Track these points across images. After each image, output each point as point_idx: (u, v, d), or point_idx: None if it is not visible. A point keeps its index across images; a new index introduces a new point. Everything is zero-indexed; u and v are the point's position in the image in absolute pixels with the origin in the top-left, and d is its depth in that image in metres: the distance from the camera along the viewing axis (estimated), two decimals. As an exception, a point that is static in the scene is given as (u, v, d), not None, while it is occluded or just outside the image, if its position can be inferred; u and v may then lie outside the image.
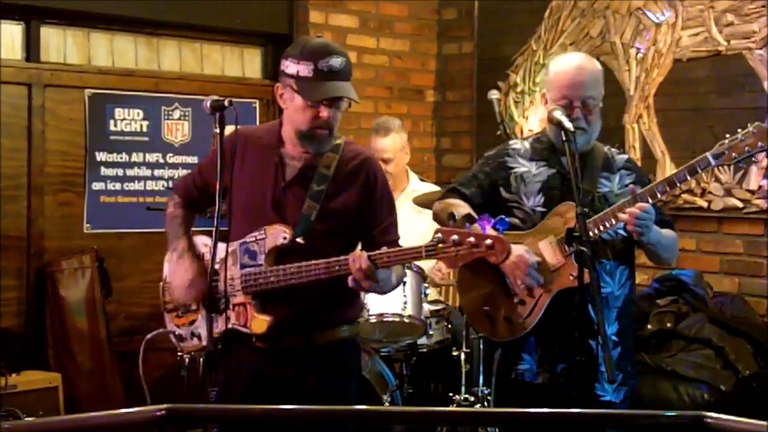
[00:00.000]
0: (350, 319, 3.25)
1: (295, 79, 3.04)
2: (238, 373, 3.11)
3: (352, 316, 3.28)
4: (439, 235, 2.86)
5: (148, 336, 3.30)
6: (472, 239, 2.81)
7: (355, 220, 3.14)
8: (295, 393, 3.09)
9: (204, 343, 3.18)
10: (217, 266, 3.15)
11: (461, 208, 3.36)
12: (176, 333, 3.28)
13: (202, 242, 3.29)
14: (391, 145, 4.96)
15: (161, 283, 3.37)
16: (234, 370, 3.11)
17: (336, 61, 3.03)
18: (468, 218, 3.09)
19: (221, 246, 3.18)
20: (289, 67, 3.06)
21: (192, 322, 3.25)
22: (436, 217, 3.48)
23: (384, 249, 2.96)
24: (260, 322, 3.04)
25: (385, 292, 3.23)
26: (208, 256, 3.18)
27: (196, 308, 3.23)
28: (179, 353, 4.25)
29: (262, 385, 3.02)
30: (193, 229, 3.41)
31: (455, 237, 2.84)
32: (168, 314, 3.32)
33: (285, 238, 3.04)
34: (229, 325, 3.11)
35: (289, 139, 3.13)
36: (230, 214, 3.17)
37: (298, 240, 3.05)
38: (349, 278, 2.97)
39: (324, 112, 3.04)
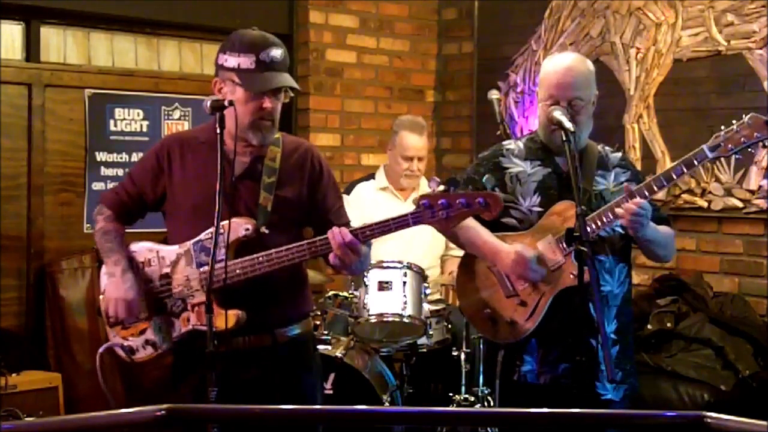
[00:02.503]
0: (305, 314, 3.27)
1: (237, 71, 3.05)
2: (206, 381, 3.06)
3: (306, 310, 3.29)
4: (426, 200, 2.83)
5: (101, 350, 3.22)
6: (462, 200, 2.79)
7: (307, 209, 3.15)
8: (262, 395, 3.07)
9: (161, 349, 3.14)
10: (167, 270, 3.13)
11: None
12: (124, 345, 3.18)
13: (147, 248, 3.21)
14: (425, 144, 5.03)
15: (101, 297, 3.26)
16: (200, 378, 3.04)
17: (277, 53, 3.06)
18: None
19: (170, 249, 3.15)
20: (228, 60, 3.08)
21: (142, 332, 3.17)
22: None
23: (365, 223, 2.97)
24: (228, 317, 2.98)
25: (361, 271, 3.22)
26: (154, 263, 3.16)
27: (146, 316, 3.16)
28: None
29: (230, 390, 2.92)
30: (138, 230, 3.38)
31: (443, 200, 2.81)
32: (112, 328, 3.22)
33: (247, 229, 3.02)
34: (190, 327, 3.09)
35: (229, 134, 3.05)
36: (173, 217, 3.18)
37: (263, 230, 3.04)
38: (331, 256, 2.97)
39: (267, 103, 3.05)
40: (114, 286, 3.16)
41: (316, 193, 3.19)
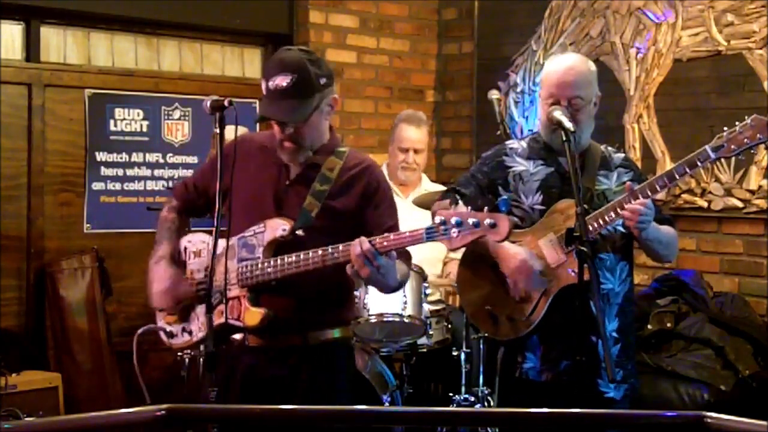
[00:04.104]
0: (344, 321, 3.26)
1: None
2: (233, 373, 3.13)
3: (346, 317, 3.29)
4: (440, 217, 2.85)
5: (139, 331, 3.32)
6: (473, 219, 2.81)
7: (355, 223, 3.13)
8: (287, 393, 3.10)
9: (195, 338, 3.21)
10: None
11: (459, 207, 3.37)
12: (167, 330, 3.29)
13: (200, 239, 3.29)
14: (423, 137, 5.02)
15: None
16: (228, 370, 3.13)
17: (283, 81, 3.03)
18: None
19: (219, 243, 3.19)
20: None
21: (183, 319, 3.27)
22: (434, 216, 3.48)
23: (383, 235, 2.96)
24: (253, 315, 3.04)
25: (387, 287, 3.15)
26: (204, 255, 3.22)
27: (188, 304, 3.24)
28: (179, 354, 4.26)
29: (256, 385, 3.02)
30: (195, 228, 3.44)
31: (456, 218, 2.83)
32: (160, 313, 3.33)
33: (284, 230, 3.06)
34: (222, 320, 3.12)
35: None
36: (230, 213, 3.20)
37: (298, 232, 3.06)
38: (348, 266, 2.97)
39: (277, 131, 3.11)
40: (154, 275, 3.25)
41: (367, 208, 3.17)
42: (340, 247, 2.97)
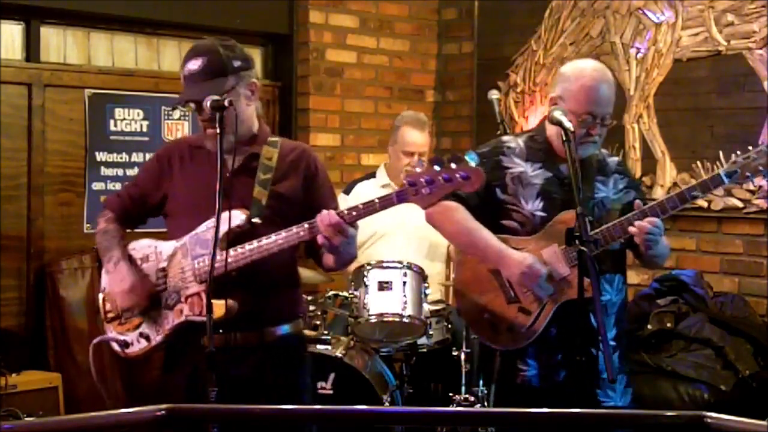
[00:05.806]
0: (296, 315, 3.30)
1: None
2: (195, 374, 3.10)
3: (297, 311, 3.32)
4: (410, 178, 2.84)
5: (94, 341, 3.29)
6: (444, 175, 2.81)
7: (301, 207, 3.16)
8: (251, 391, 3.10)
9: (154, 343, 3.18)
10: (164, 264, 3.18)
11: (457, 212, 3.36)
12: (120, 340, 3.24)
13: (146, 244, 3.26)
14: (427, 140, 5.00)
15: (100, 295, 3.34)
16: (191, 372, 3.12)
17: (194, 65, 3.07)
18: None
19: (167, 244, 3.20)
20: None
21: (138, 326, 3.22)
22: (430, 219, 3.45)
23: (354, 206, 2.99)
24: (218, 307, 3.00)
25: (350, 256, 3.21)
26: (152, 259, 3.20)
27: (141, 311, 3.21)
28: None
29: (220, 386, 2.96)
30: (143, 230, 3.42)
31: (425, 177, 2.83)
32: (109, 324, 3.29)
33: (242, 219, 3.06)
34: (183, 318, 3.11)
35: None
36: (172, 217, 3.24)
37: (255, 220, 3.07)
38: (319, 237, 2.99)
39: (199, 119, 3.11)
40: (111, 281, 3.23)
41: (311, 191, 3.22)
42: (305, 224, 3.00)
